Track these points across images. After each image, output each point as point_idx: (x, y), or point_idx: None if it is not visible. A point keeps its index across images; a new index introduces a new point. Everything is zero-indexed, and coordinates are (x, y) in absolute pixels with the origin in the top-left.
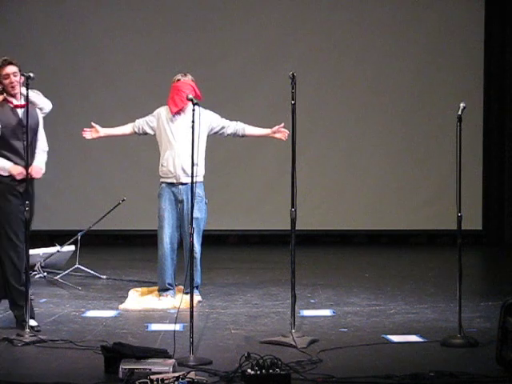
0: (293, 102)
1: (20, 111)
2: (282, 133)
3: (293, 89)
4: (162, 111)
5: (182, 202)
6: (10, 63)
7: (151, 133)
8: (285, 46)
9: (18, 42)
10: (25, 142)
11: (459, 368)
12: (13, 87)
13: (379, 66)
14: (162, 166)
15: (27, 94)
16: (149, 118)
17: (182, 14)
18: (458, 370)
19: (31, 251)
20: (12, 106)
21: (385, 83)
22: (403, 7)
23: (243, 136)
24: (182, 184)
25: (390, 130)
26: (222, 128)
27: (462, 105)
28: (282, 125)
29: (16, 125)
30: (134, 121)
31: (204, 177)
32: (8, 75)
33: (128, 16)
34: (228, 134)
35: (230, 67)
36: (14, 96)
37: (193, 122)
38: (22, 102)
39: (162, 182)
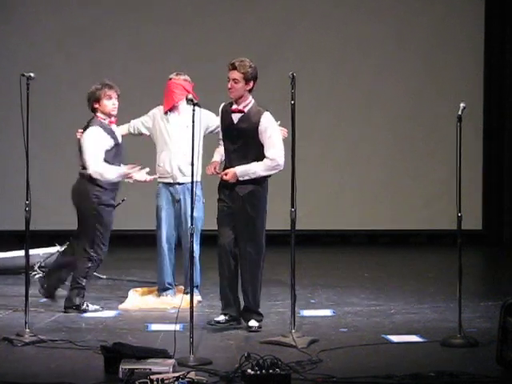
0: (292, 102)
1: (235, 116)
2: None
3: (292, 89)
4: (157, 112)
5: (179, 201)
6: (235, 68)
7: (146, 133)
8: (284, 45)
9: (18, 42)
10: (236, 146)
11: (459, 368)
12: (230, 92)
13: (379, 66)
14: (158, 166)
15: (27, 94)
16: (144, 118)
17: (180, 13)
18: (458, 370)
19: (31, 251)
20: (230, 109)
21: (384, 83)
22: (403, 7)
23: None
24: (179, 184)
25: (389, 129)
26: (218, 127)
27: (462, 105)
28: (278, 123)
29: (228, 127)
30: (129, 121)
31: (202, 176)
32: (228, 79)
33: (126, 15)
34: None
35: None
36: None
37: (193, 122)
38: (240, 107)
39: (159, 182)
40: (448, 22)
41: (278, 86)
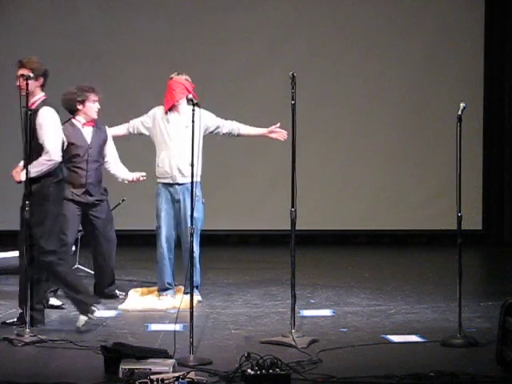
0: (293, 102)
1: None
2: (278, 133)
3: (293, 89)
4: (158, 111)
5: (178, 201)
6: (23, 65)
7: (146, 133)
8: (284, 45)
9: (17, 41)
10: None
11: (459, 368)
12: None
13: (379, 65)
14: (158, 166)
15: (27, 94)
16: (144, 118)
17: (181, 12)
18: (458, 370)
19: None
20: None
21: (384, 83)
22: (403, 8)
23: (238, 135)
24: (179, 184)
25: (390, 129)
26: (218, 128)
27: (462, 105)
28: (278, 125)
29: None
30: (129, 121)
31: (201, 177)
32: (17, 77)
33: (127, 15)
34: (223, 134)
35: (229, 66)
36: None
37: (193, 121)
38: (29, 104)
39: (159, 182)
40: (448, 22)
41: (279, 85)
